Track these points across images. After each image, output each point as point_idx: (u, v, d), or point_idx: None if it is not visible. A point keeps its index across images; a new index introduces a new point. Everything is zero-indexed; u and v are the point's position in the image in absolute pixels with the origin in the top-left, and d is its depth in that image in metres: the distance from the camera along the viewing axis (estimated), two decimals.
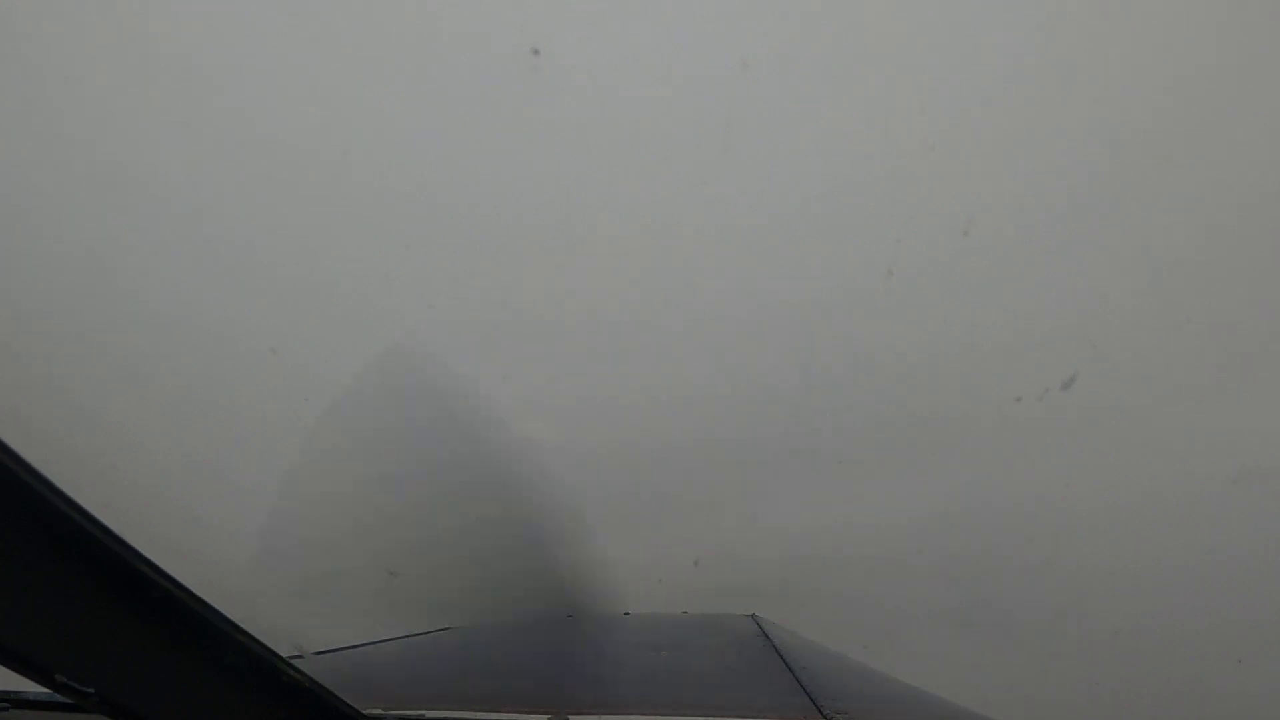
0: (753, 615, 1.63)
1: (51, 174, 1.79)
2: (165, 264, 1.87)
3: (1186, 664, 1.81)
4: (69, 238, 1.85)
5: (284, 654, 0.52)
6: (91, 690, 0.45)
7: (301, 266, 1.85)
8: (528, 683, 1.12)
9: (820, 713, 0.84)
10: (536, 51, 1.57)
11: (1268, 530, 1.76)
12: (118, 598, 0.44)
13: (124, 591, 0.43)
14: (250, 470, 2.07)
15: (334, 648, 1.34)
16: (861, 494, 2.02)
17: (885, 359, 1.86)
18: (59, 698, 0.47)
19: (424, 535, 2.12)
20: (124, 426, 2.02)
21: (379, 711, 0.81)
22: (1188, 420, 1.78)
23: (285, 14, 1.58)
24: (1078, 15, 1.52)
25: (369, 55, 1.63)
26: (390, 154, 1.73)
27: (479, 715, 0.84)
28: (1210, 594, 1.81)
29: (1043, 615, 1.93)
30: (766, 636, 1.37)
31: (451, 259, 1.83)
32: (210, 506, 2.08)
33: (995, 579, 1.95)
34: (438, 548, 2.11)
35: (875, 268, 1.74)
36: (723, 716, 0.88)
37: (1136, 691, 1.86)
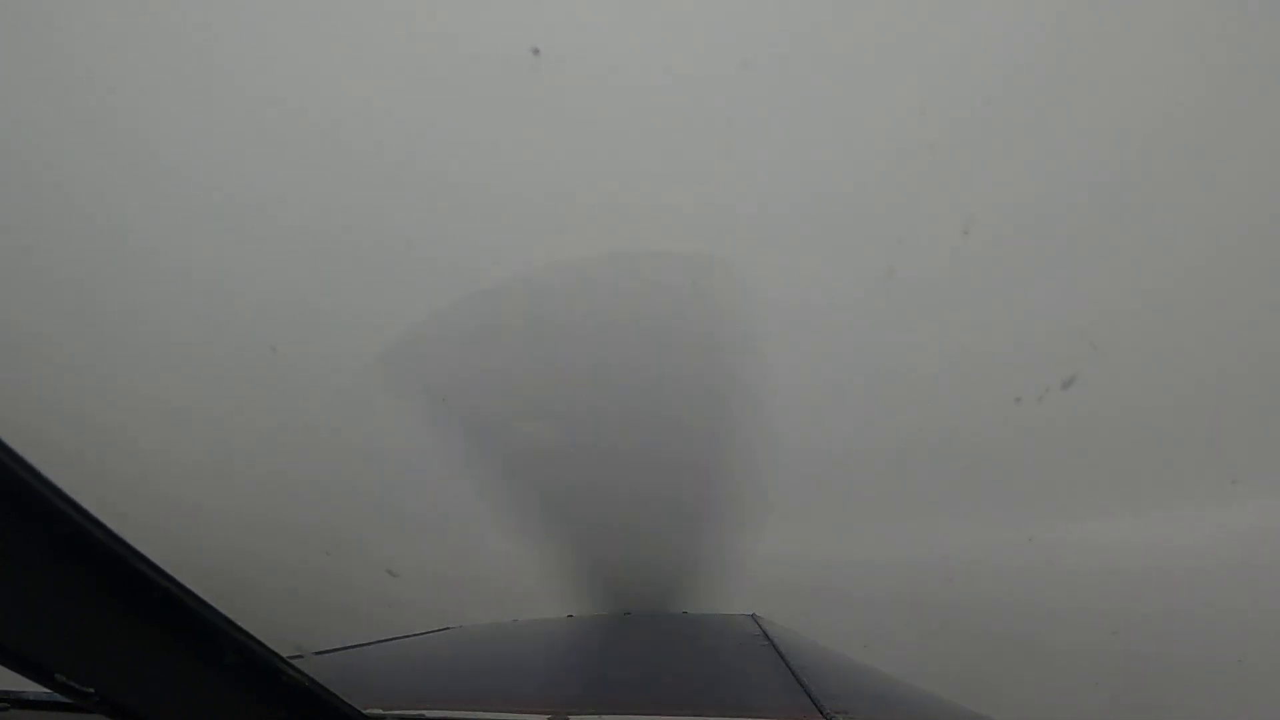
0: (753, 615, 1.63)
1: (51, 176, 1.79)
2: (165, 260, 1.87)
3: (1186, 664, 1.81)
4: (68, 238, 1.85)
5: (284, 654, 0.52)
6: (91, 690, 0.45)
7: (302, 267, 1.85)
8: (528, 683, 1.12)
9: (820, 713, 0.84)
10: (536, 52, 1.57)
11: (1268, 530, 1.76)
12: (118, 597, 0.44)
13: (124, 591, 0.43)
14: (251, 469, 2.07)
15: (334, 648, 1.34)
16: (859, 493, 2.02)
17: (884, 358, 1.86)
18: (59, 698, 0.47)
19: (425, 534, 2.12)
20: (123, 426, 2.02)
21: (379, 711, 0.81)
22: (1188, 420, 1.78)
23: (275, 13, 1.58)
24: (1080, 14, 1.52)
25: (366, 55, 1.63)
26: (388, 153, 1.73)
27: (479, 715, 0.84)
28: (1210, 594, 1.81)
29: (1042, 615, 1.93)
30: (767, 636, 1.37)
31: (451, 260, 1.83)
32: (211, 504, 2.08)
33: (994, 579, 1.95)
34: (439, 547, 2.11)
35: (875, 268, 1.74)
36: (723, 716, 0.88)
37: (1136, 691, 1.86)
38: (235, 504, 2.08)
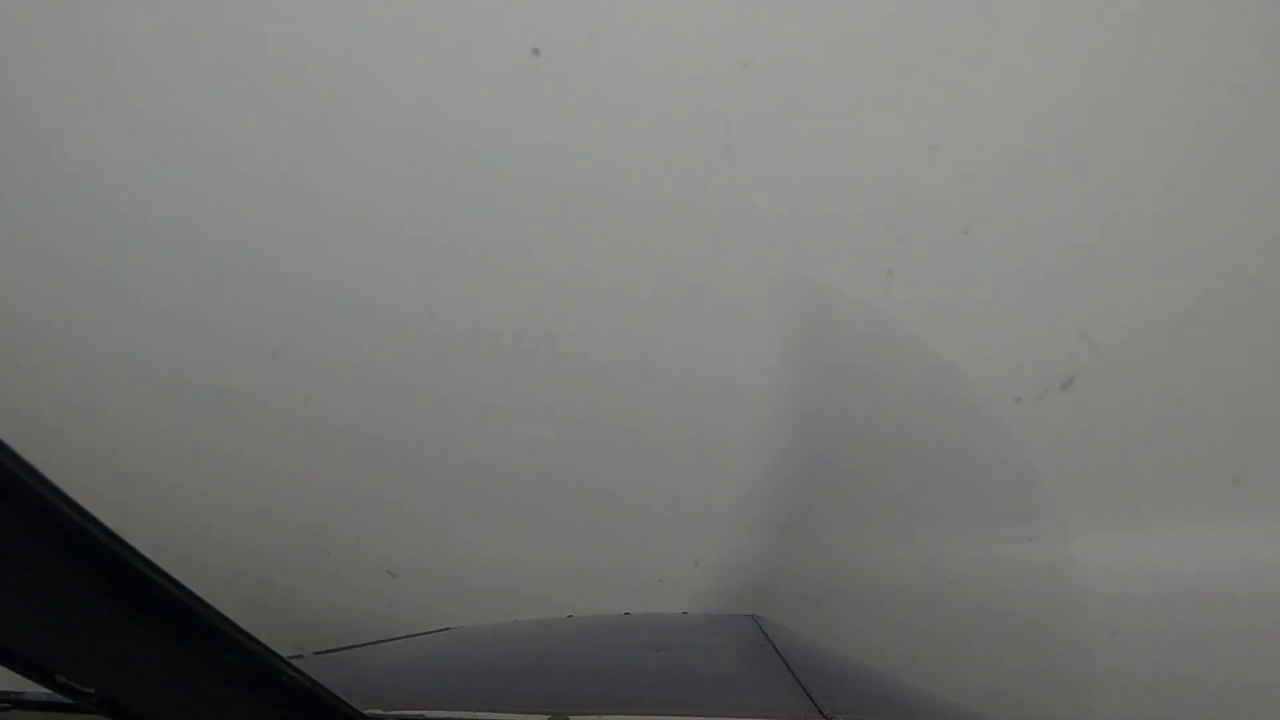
0: (753, 615, 1.62)
1: (52, 168, 1.79)
2: (165, 262, 1.87)
3: (1186, 664, 1.81)
4: (67, 237, 1.85)
5: (284, 654, 0.52)
6: (91, 690, 0.45)
7: (303, 268, 1.85)
8: (528, 683, 1.12)
9: (820, 713, 0.84)
10: (536, 52, 1.57)
11: (1268, 530, 1.76)
12: (117, 597, 0.44)
13: (124, 591, 0.43)
14: (251, 468, 2.07)
15: (334, 648, 1.34)
16: (859, 493, 2.02)
17: (885, 359, 1.86)
18: (59, 698, 0.46)
19: (425, 534, 2.12)
20: (123, 418, 2.03)
21: (379, 711, 0.80)
22: (1188, 420, 1.78)
23: (275, 17, 1.59)
24: (1080, 15, 1.52)
25: (363, 56, 1.63)
26: (387, 155, 1.73)
27: (479, 715, 0.84)
28: (1210, 594, 1.80)
29: (1041, 616, 1.93)
30: (766, 637, 1.37)
31: (449, 261, 1.83)
32: (211, 502, 2.08)
33: (995, 578, 1.95)
34: (438, 547, 2.11)
35: (875, 268, 1.74)
36: (723, 716, 0.88)
37: (1135, 692, 1.85)
38: (235, 502, 2.08)
